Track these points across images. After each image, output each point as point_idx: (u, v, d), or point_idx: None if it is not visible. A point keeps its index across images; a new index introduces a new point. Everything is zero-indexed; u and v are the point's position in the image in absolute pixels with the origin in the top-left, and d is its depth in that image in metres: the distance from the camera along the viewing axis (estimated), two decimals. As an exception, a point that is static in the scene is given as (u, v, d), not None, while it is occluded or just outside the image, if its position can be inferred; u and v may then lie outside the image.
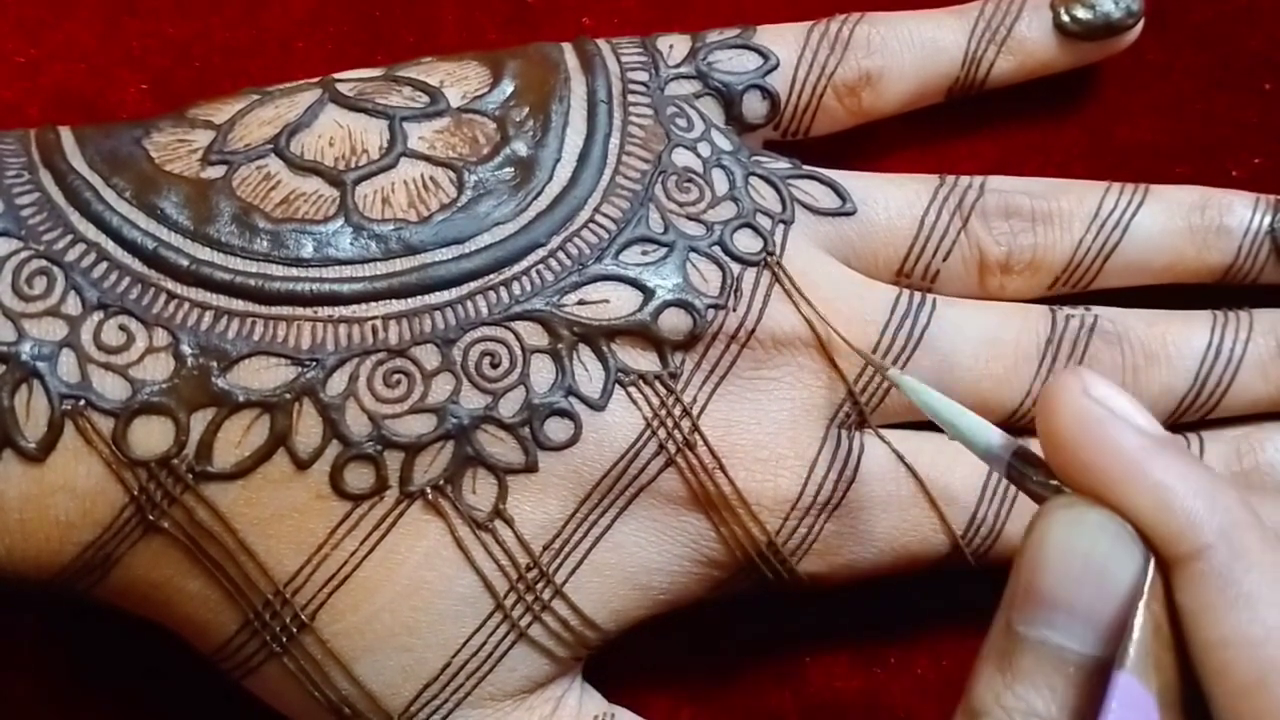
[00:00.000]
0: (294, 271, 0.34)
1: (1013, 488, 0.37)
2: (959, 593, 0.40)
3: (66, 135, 0.36)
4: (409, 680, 0.35)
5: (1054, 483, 0.31)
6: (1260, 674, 0.27)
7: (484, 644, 0.35)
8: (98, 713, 0.40)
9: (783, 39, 0.39)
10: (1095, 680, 0.28)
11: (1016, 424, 0.39)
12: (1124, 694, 0.27)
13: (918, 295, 0.38)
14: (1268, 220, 0.40)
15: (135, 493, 0.33)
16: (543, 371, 0.35)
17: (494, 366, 0.34)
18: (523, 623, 0.35)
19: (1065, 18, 0.40)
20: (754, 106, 0.39)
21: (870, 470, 0.37)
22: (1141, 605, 0.28)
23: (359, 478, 0.34)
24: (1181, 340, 0.39)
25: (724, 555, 0.36)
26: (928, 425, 0.38)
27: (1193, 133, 0.43)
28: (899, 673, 0.41)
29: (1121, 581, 0.28)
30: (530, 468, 0.35)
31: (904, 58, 0.40)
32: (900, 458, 0.37)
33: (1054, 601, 0.29)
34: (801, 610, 0.40)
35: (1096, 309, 0.39)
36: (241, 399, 0.33)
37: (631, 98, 0.38)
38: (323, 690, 0.35)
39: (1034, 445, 0.38)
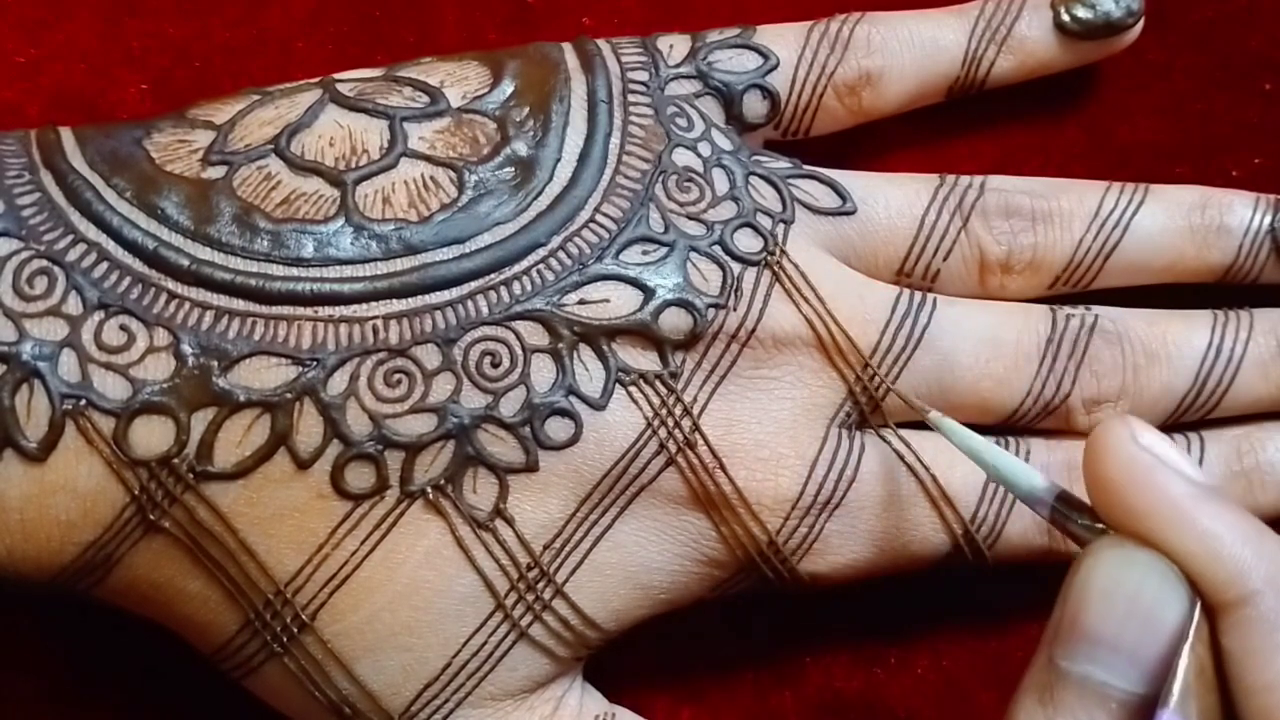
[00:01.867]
0: (295, 271, 0.34)
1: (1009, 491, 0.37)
2: (959, 593, 0.40)
3: (67, 135, 0.36)
4: (410, 680, 0.35)
5: (1100, 525, 0.31)
6: None
7: (485, 643, 0.35)
8: (98, 713, 0.40)
9: (783, 39, 0.39)
10: (1136, 716, 0.29)
11: (1016, 424, 0.39)
12: None
13: (918, 295, 0.38)
14: (1268, 220, 0.40)
15: (136, 492, 0.33)
16: (543, 371, 0.35)
17: (494, 366, 0.34)
18: (523, 622, 0.35)
19: (1065, 17, 0.40)
20: (754, 106, 0.39)
21: (871, 470, 0.37)
22: (1186, 648, 0.29)
23: (360, 477, 0.34)
24: (1182, 340, 0.39)
25: (724, 555, 0.36)
26: (927, 425, 0.38)
27: (1193, 133, 0.43)
28: (899, 673, 0.41)
29: (1167, 622, 0.29)
30: (531, 467, 0.35)
31: (904, 57, 0.40)
32: (901, 458, 0.37)
33: (1098, 638, 0.29)
34: (801, 610, 0.40)
35: (1097, 308, 0.39)
36: (242, 399, 0.33)
37: (632, 97, 0.38)
38: (323, 690, 0.35)
39: (1038, 449, 0.38)
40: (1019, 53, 0.40)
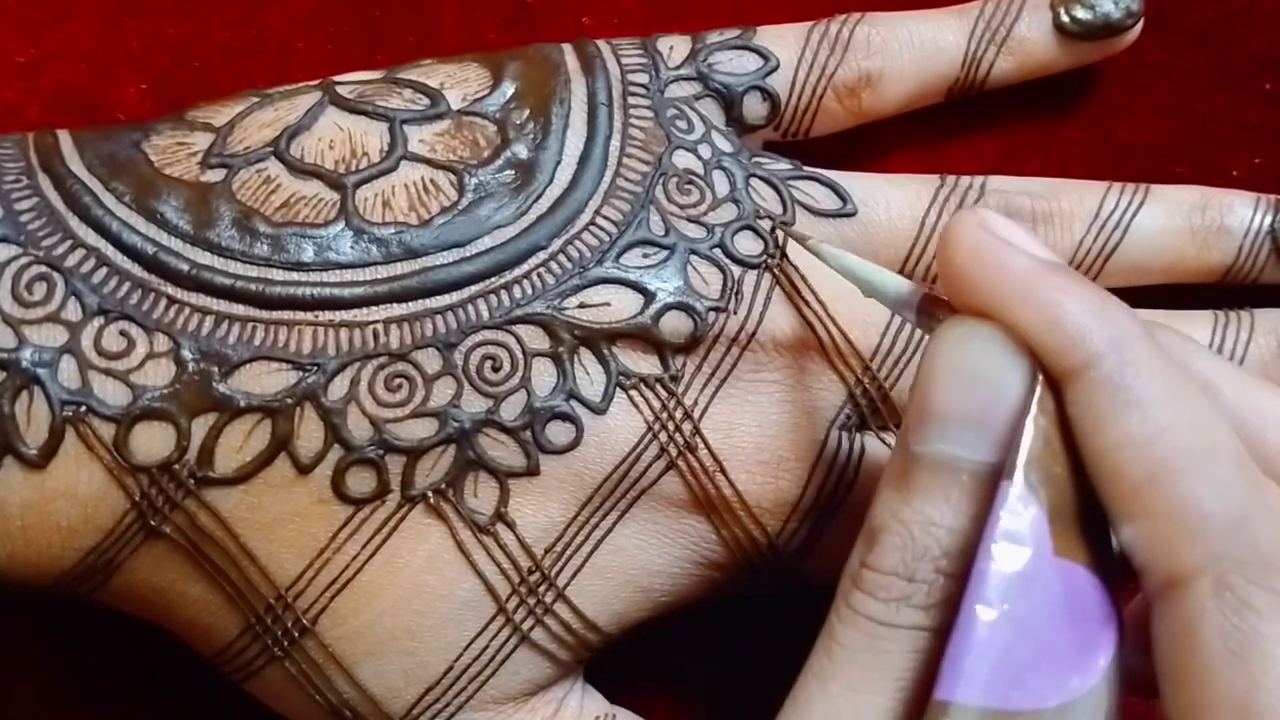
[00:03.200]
0: (295, 276, 0.34)
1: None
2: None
3: (65, 139, 0.36)
4: (411, 684, 0.35)
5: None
6: (1152, 472, 0.28)
7: (486, 647, 0.35)
8: (98, 713, 0.40)
9: (783, 40, 0.39)
10: (990, 488, 0.29)
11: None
12: (1013, 503, 0.28)
13: (919, 295, 0.38)
14: (1268, 220, 0.40)
15: (137, 498, 0.33)
16: (544, 375, 0.35)
17: (495, 370, 0.34)
18: (525, 626, 0.35)
19: (1065, 18, 0.40)
20: (754, 108, 0.39)
21: (871, 472, 0.37)
22: (1029, 420, 0.28)
23: (360, 482, 0.34)
24: (1183, 341, 0.39)
25: (725, 557, 0.36)
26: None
27: (1193, 133, 0.43)
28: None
29: (1010, 390, 0.29)
30: (532, 471, 0.35)
31: (904, 58, 0.40)
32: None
33: (945, 414, 0.29)
34: (802, 610, 0.40)
35: (1097, 309, 0.39)
36: (243, 404, 0.33)
37: (632, 100, 0.38)
38: (324, 694, 0.35)
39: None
40: (1019, 54, 0.40)
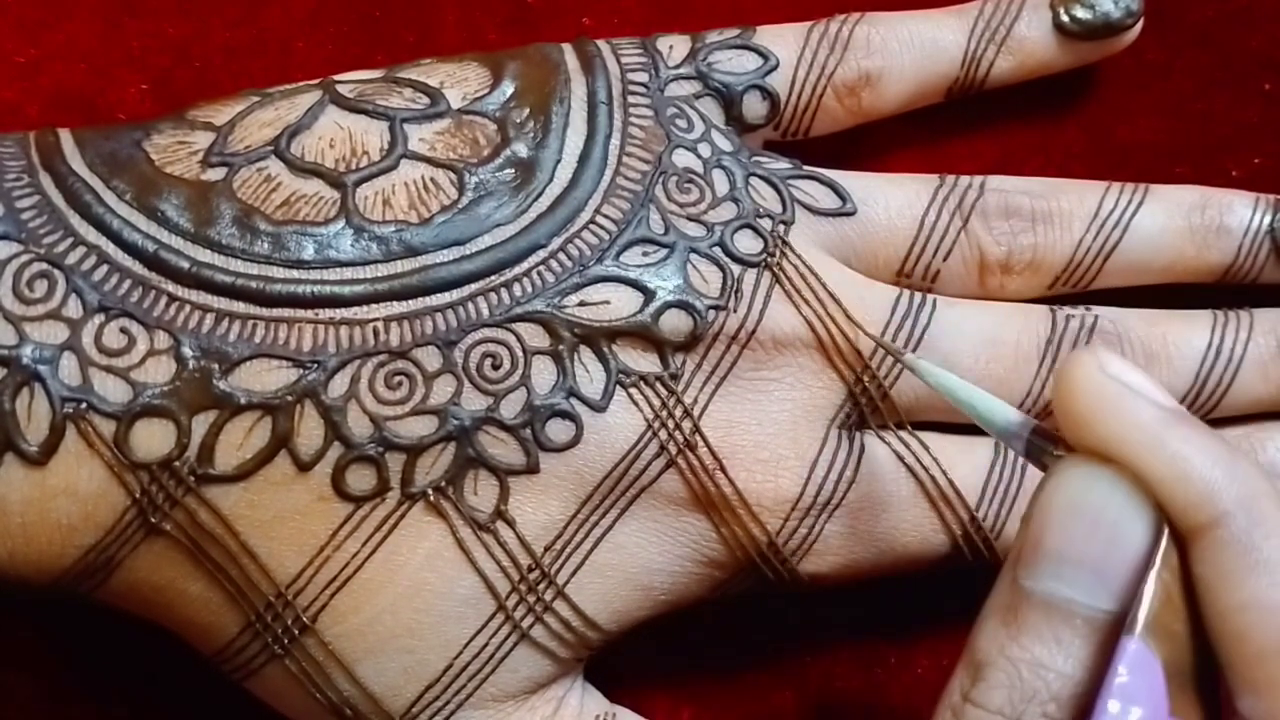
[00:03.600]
0: (295, 274, 0.34)
1: (1012, 488, 0.37)
2: (959, 593, 0.40)
3: (66, 137, 0.36)
4: (411, 681, 0.35)
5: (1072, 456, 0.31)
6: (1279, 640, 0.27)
7: (486, 645, 0.35)
8: (98, 713, 0.40)
9: (782, 39, 0.39)
10: (1104, 636, 0.28)
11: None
12: (1132, 659, 0.27)
13: (918, 296, 0.38)
14: (1268, 220, 0.40)
15: (137, 495, 0.33)
16: (544, 373, 0.35)
17: (495, 368, 0.34)
18: (525, 624, 0.35)
19: (1065, 18, 0.40)
20: (754, 107, 0.39)
21: (871, 470, 0.37)
22: (1153, 574, 0.28)
23: (360, 479, 0.34)
24: (1182, 340, 0.39)
25: (725, 556, 0.36)
26: (927, 425, 0.38)
27: (1193, 133, 0.43)
28: (899, 673, 0.41)
29: (1132, 540, 0.28)
30: (531, 469, 0.35)
31: (904, 58, 0.40)
32: (900, 458, 0.37)
33: (1063, 555, 0.29)
34: (801, 610, 0.40)
35: (1096, 309, 0.39)
36: (243, 401, 0.33)
37: (632, 99, 0.38)
38: (324, 692, 0.35)
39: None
40: (1018, 53, 0.40)
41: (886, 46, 0.40)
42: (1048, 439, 0.32)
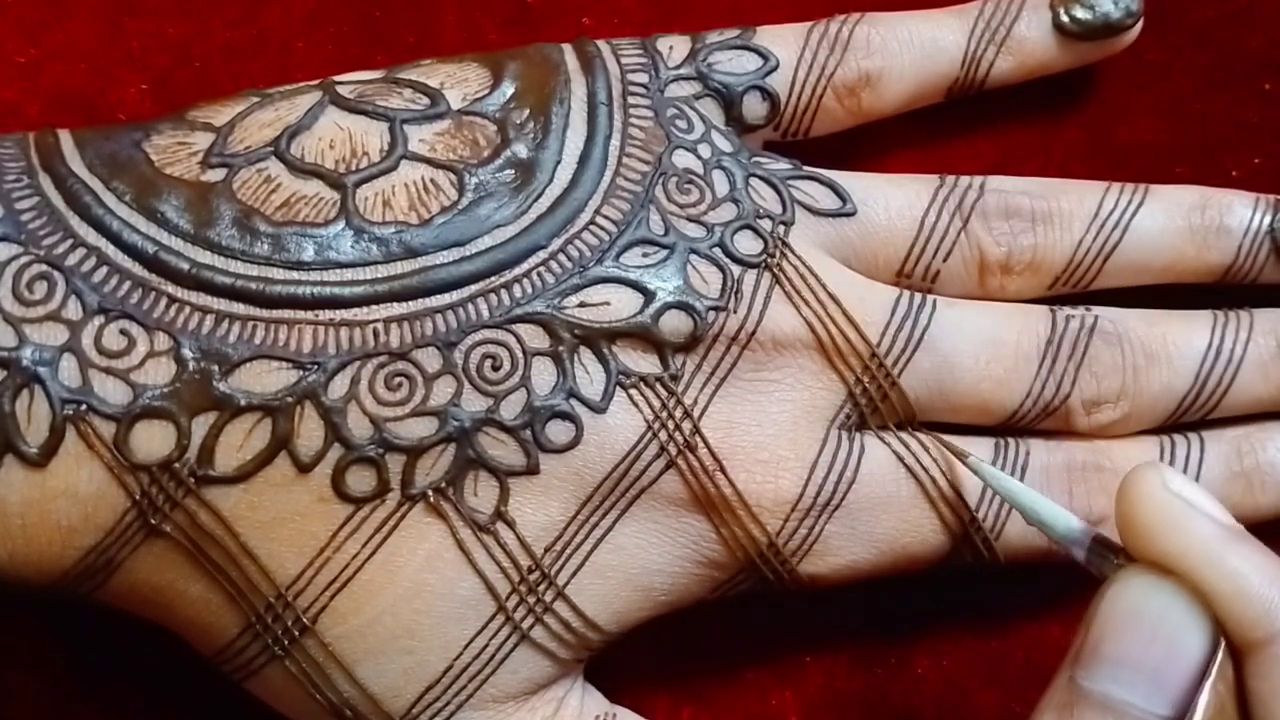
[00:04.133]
0: (295, 275, 0.34)
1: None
2: (959, 593, 0.40)
3: (66, 138, 0.36)
4: (411, 682, 0.35)
5: (1132, 565, 0.32)
6: None
7: (486, 646, 0.35)
8: (99, 712, 0.40)
9: (782, 40, 0.39)
10: None
11: (1016, 425, 0.39)
12: None
13: (918, 296, 0.38)
14: (1267, 220, 0.40)
15: (137, 497, 0.33)
16: (544, 374, 0.35)
17: (495, 369, 0.34)
18: (525, 625, 0.35)
19: (1064, 18, 0.40)
20: (754, 107, 0.39)
21: (871, 471, 0.37)
22: (1208, 684, 0.29)
23: (361, 481, 0.34)
24: (1182, 340, 0.39)
25: (725, 556, 0.36)
26: (927, 426, 0.38)
27: (1193, 133, 0.43)
28: (899, 672, 0.41)
29: (1190, 649, 0.30)
30: (532, 470, 0.35)
31: (903, 58, 0.40)
32: (900, 459, 0.37)
33: (1121, 659, 0.30)
34: (801, 610, 0.40)
35: (1097, 309, 0.39)
36: (243, 403, 0.33)
37: (632, 99, 0.38)
38: (324, 693, 0.35)
39: (1037, 450, 0.38)
40: (1018, 53, 0.40)
41: (886, 47, 0.40)
42: (1108, 548, 0.33)
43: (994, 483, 0.36)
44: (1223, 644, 0.30)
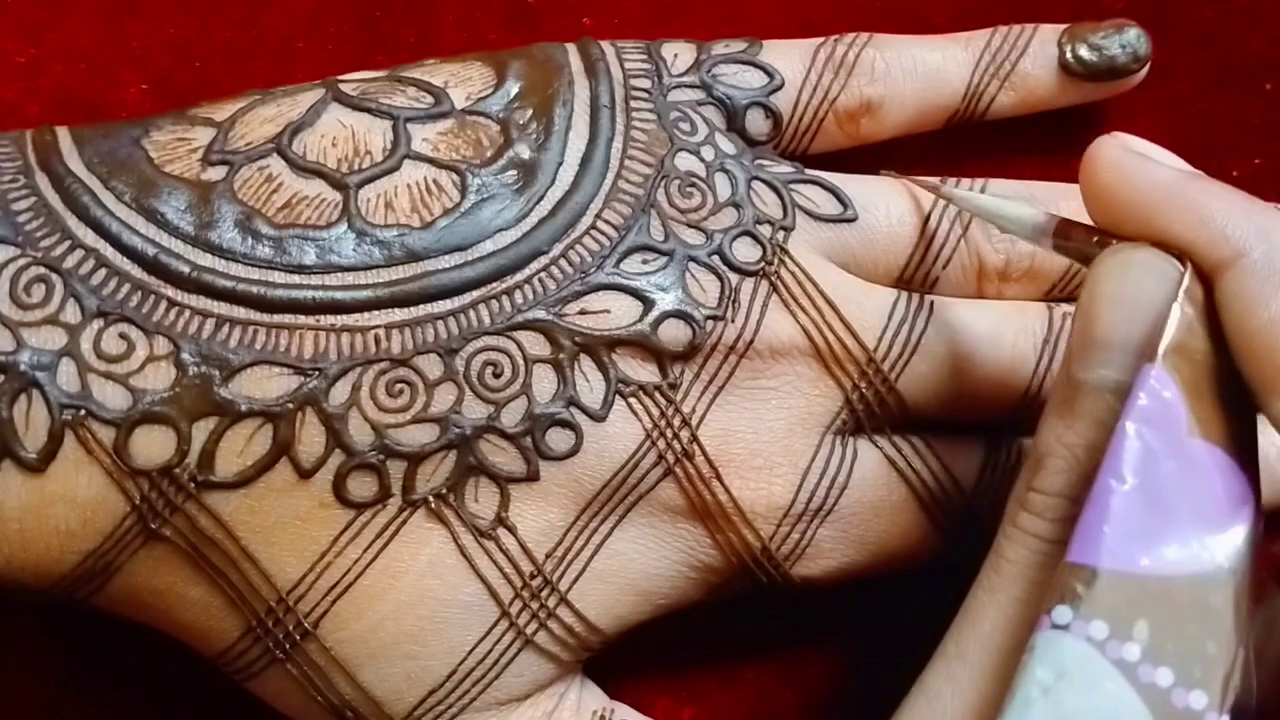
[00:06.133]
0: (296, 279, 0.34)
1: (1003, 489, 0.37)
2: (959, 593, 0.40)
3: (64, 136, 0.35)
4: (414, 687, 0.35)
5: (1096, 240, 0.32)
6: None
7: (490, 651, 0.35)
8: (98, 713, 0.40)
9: (788, 58, 0.39)
10: None
11: (1015, 424, 0.39)
12: (1150, 385, 0.29)
13: (915, 298, 0.38)
14: None
15: (137, 502, 0.33)
16: (544, 381, 0.35)
17: (496, 376, 0.34)
18: (528, 629, 0.35)
19: (1070, 57, 0.40)
20: (757, 123, 0.39)
21: (862, 476, 0.37)
22: (1175, 306, 0.30)
23: (362, 486, 0.34)
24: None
25: (720, 562, 0.36)
26: (923, 428, 0.38)
27: (1193, 133, 0.43)
28: (899, 672, 0.41)
29: (1167, 305, 0.30)
30: (532, 477, 0.35)
31: (906, 87, 0.40)
32: (893, 463, 0.37)
33: (1108, 341, 0.30)
34: (802, 610, 0.40)
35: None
36: (244, 408, 0.33)
37: (634, 103, 0.37)
38: (326, 695, 0.35)
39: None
40: (1021, 89, 0.40)
41: (890, 74, 0.39)
42: (1072, 228, 0.33)
43: (962, 203, 0.37)
44: (1189, 266, 0.30)
